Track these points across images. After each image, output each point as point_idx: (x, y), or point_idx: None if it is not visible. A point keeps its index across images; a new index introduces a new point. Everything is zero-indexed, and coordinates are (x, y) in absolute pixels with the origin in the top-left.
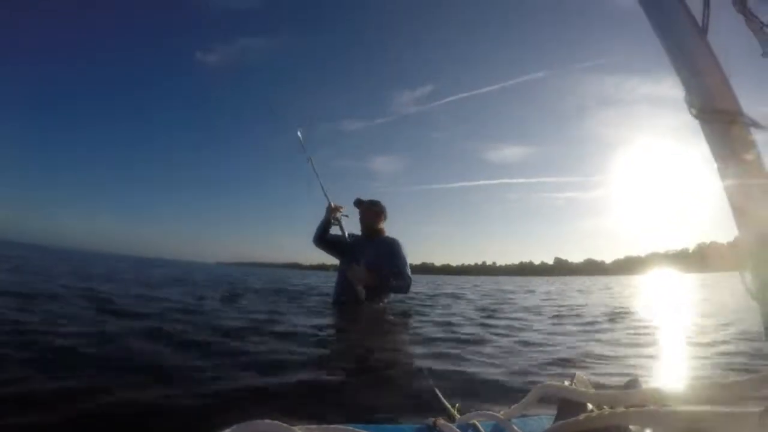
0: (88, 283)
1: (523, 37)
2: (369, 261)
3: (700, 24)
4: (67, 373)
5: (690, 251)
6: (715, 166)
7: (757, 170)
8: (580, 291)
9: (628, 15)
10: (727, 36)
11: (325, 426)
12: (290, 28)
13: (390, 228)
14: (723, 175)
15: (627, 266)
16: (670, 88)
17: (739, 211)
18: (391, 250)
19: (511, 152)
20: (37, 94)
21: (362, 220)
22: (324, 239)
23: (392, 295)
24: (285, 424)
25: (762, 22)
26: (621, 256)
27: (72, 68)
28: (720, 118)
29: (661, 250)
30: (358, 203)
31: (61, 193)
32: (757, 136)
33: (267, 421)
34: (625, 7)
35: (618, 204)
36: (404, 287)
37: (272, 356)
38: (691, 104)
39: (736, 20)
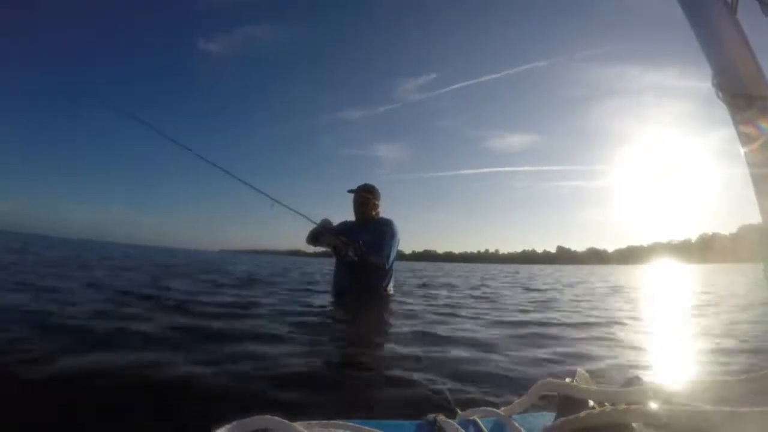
0: None
1: (526, 26)
2: (365, 244)
3: (729, 2)
4: (60, 368)
5: (692, 242)
6: (735, 149)
7: None
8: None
9: (630, 3)
10: (750, 21)
11: (325, 421)
12: (292, 17)
13: (392, 215)
14: (750, 161)
15: (629, 256)
16: (675, 78)
17: (764, 195)
18: (381, 230)
19: (515, 140)
20: (42, 85)
21: (356, 207)
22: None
23: (394, 284)
24: (285, 420)
25: None
26: (623, 245)
27: (75, 58)
28: (749, 103)
29: (664, 240)
30: (352, 191)
31: (69, 183)
32: None
33: (267, 416)
34: None
35: (623, 193)
36: (378, 263)
37: (272, 351)
38: (718, 87)
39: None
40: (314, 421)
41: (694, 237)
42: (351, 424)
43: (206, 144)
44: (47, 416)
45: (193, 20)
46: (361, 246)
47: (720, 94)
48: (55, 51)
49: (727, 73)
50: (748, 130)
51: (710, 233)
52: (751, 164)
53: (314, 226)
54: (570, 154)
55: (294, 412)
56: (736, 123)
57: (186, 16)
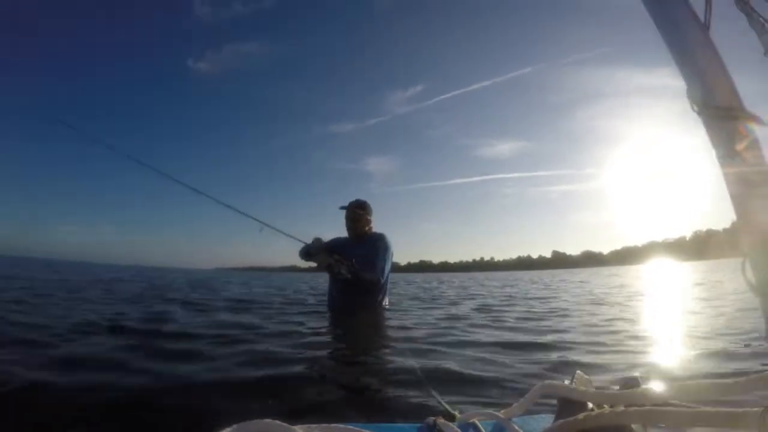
0: None
1: (512, 33)
2: (358, 261)
3: (703, 20)
4: (63, 371)
5: (687, 239)
6: (716, 160)
7: (758, 166)
8: None
9: (614, 8)
10: (730, 34)
11: (325, 425)
12: (277, 35)
13: (386, 228)
14: (724, 170)
15: (625, 256)
16: (664, 78)
17: (739, 207)
18: (374, 245)
19: (504, 148)
20: (32, 105)
21: (348, 224)
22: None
23: (389, 297)
24: (285, 424)
25: (765, 21)
26: (618, 246)
27: (67, 80)
28: (722, 114)
29: (659, 239)
30: (344, 208)
31: (60, 205)
32: (759, 132)
33: (267, 420)
34: (612, 1)
35: (614, 195)
36: (373, 279)
37: (272, 357)
38: (693, 100)
39: (738, 19)
40: (314, 425)
41: (688, 234)
42: (351, 427)
43: (197, 162)
44: None
45: (181, 40)
46: (354, 263)
47: (694, 106)
48: (42, 69)
49: (700, 86)
50: (721, 140)
51: (704, 230)
52: (725, 174)
53: (304, 245)
54: (560, 158)
55: (294, 416)
56: (710, 133)
57: (175, 35)
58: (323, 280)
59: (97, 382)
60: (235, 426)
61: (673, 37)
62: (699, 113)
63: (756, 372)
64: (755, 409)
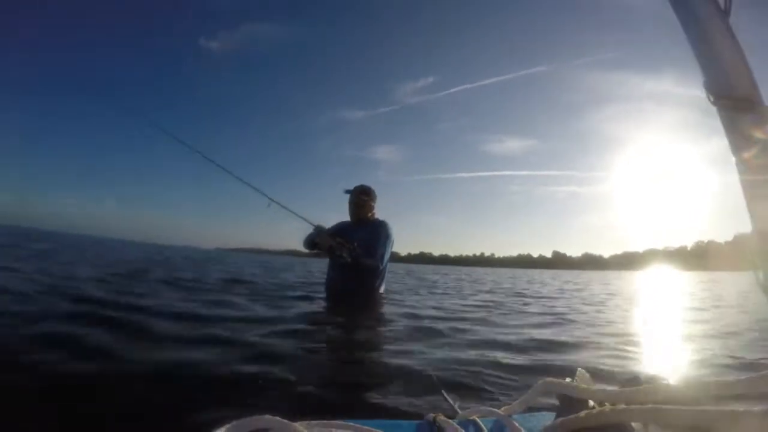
0: None
1: (526, 31)
2: (360, 245)
3: (722, 6)
4: (53, 367)
5: (688, 249)
6: (730, 157)
7: None
8: None
9: (630, 11)
10: (750, 25)
11: (325, 421)
12: (293, 17)
13: (389, 216)
14: (739, 163)
15: (625, 262)
16: (674, 86)
17: (754, 201)
18: (376, 231)
19: (513, 145)
20: (42, 80)
21: (352, 209)
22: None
23: (386, 285)
24: (285, 420)
25: None
26: (619, 251)
27: (77, 54)
28: (739, 106)
29: (660, 247)
30: (349, 192)
31: (66, 179)
32: None
33: (267, 416)
34: (628, 3)
35: (618, 200)
36: (372, 265)
37: (270, 350)
38: (709, 90)
39: (758, 8)
40: (314, 421)
41: (689, 244)
42: (351, 423)
43: (205, 142)
44: None
45: (194, 18)
46: (356, 248)
47: (711, 97)
48: (53, 46)
49: (717, 75)
50: (739, 134)
51: (705, 241)
52: (741, 168)
53: (309, 226)
54: (568, 159)
55: (293, 412)
56: (725, 125)
57: (187, 13)
58: (323, 265)
59: (71, 376)
60: (234, 422)
61: (690, 22)
62: (714, 104)
63: (757, 372)
64: (757, 408)
